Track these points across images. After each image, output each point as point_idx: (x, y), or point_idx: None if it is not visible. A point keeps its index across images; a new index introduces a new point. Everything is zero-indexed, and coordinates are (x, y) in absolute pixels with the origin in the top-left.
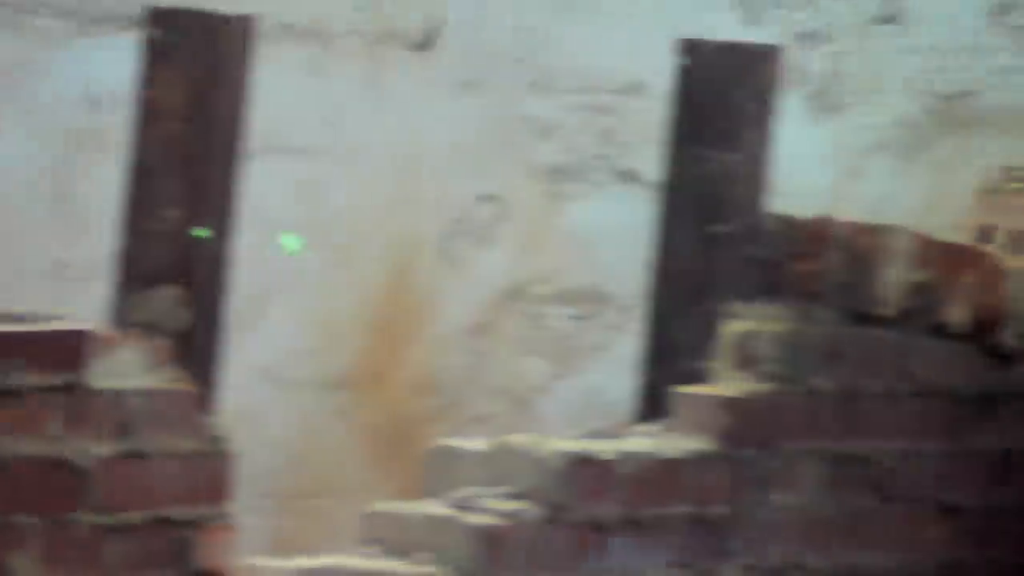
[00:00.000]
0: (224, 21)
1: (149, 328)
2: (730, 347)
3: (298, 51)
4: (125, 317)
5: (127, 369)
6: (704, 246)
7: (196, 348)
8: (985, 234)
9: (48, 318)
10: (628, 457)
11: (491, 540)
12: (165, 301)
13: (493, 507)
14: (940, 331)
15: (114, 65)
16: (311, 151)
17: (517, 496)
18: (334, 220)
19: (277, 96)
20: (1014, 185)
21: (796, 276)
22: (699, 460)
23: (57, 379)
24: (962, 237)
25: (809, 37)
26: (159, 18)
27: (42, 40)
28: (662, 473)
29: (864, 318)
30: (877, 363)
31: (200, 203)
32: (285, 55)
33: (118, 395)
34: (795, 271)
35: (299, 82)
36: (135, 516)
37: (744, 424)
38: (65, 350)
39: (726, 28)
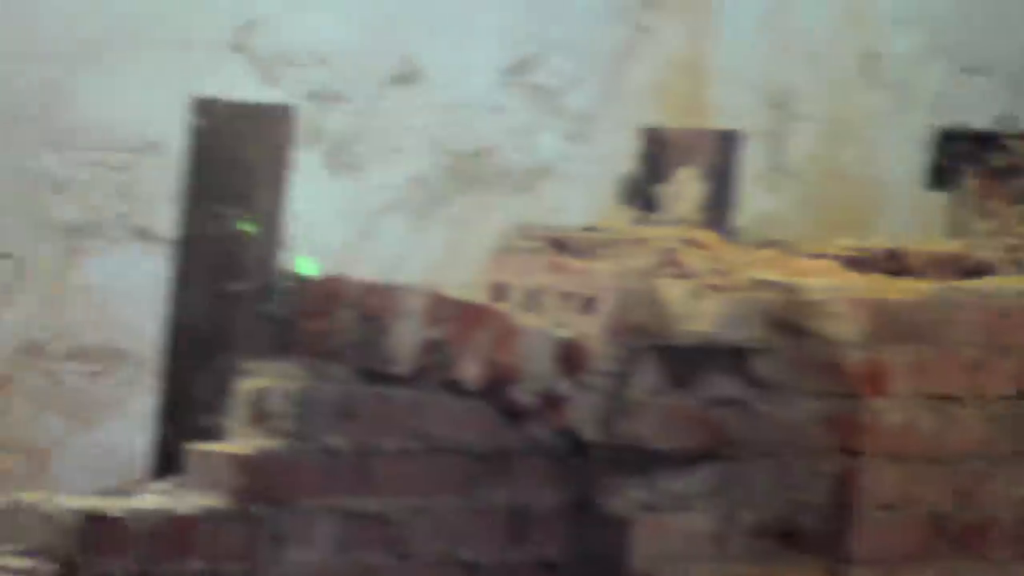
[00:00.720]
0: None
1: None
2: (244, 404)
3: None
4: None
5: None
6: (219, 303)
7: None
8: (499, 292)
9: None
10: (140, 514)
11: None
12: None
13: (6, 564)
14: (454, 388)
15: None
16: None
17: (31, 553)
18: None
19: None
20: (527, 243)
21: (309, 334)
22: (212, 517)
23: None
24: (476, 295)
25: (324, 96)
26: None
27: None
28: (175, 530)
29: (379, 376)
30: (390, 420)
31: None
32: None
33: None
34: (308, 329)
35: None
36: None
37: (257, 481)
38: None
39: (241, 86)
